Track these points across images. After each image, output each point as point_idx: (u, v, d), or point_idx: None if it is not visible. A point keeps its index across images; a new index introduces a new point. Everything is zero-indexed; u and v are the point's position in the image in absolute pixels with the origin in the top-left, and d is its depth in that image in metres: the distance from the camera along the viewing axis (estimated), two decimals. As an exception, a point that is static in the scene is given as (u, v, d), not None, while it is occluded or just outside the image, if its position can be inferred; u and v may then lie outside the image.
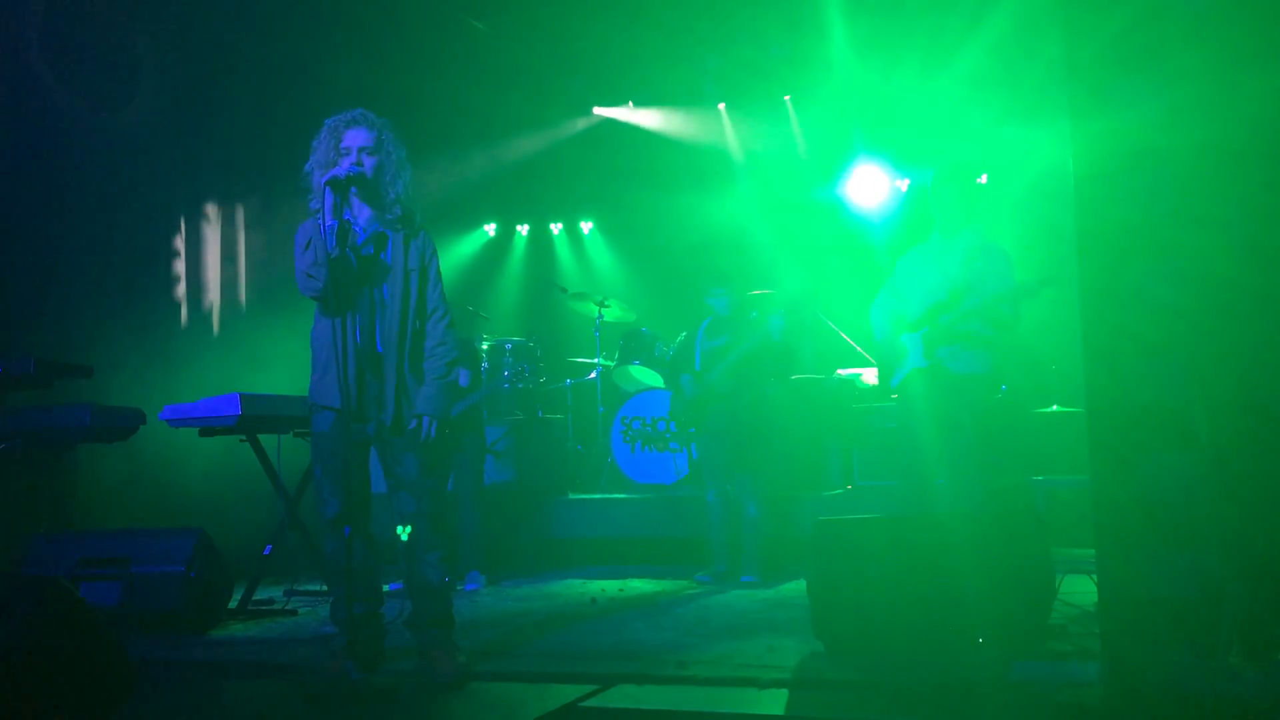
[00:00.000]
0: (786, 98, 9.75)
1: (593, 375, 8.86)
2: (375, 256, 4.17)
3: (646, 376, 8.42)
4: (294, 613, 5.74)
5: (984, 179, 9.15)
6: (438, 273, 4.29)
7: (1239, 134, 3.02)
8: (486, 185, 10.53)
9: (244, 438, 5.83)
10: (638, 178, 10.01)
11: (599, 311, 8.82)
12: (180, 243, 7.77)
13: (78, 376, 5.55)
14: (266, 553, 5.90)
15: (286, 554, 6.04)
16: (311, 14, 7.83)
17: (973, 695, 3.57)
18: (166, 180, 7.65)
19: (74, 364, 5.67)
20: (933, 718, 3.48)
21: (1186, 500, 2.97)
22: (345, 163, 4.08)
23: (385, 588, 4.47)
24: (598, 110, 10.36)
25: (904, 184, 9.55)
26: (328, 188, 3.98)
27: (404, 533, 4.15)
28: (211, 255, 8.00)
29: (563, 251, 11.42)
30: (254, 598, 5.86)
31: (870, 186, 9.51)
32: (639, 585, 6.41)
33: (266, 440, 5.96)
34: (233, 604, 5.69)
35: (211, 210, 8.01)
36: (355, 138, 4.14)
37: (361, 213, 4.20)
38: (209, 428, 5.71)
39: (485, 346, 7.89)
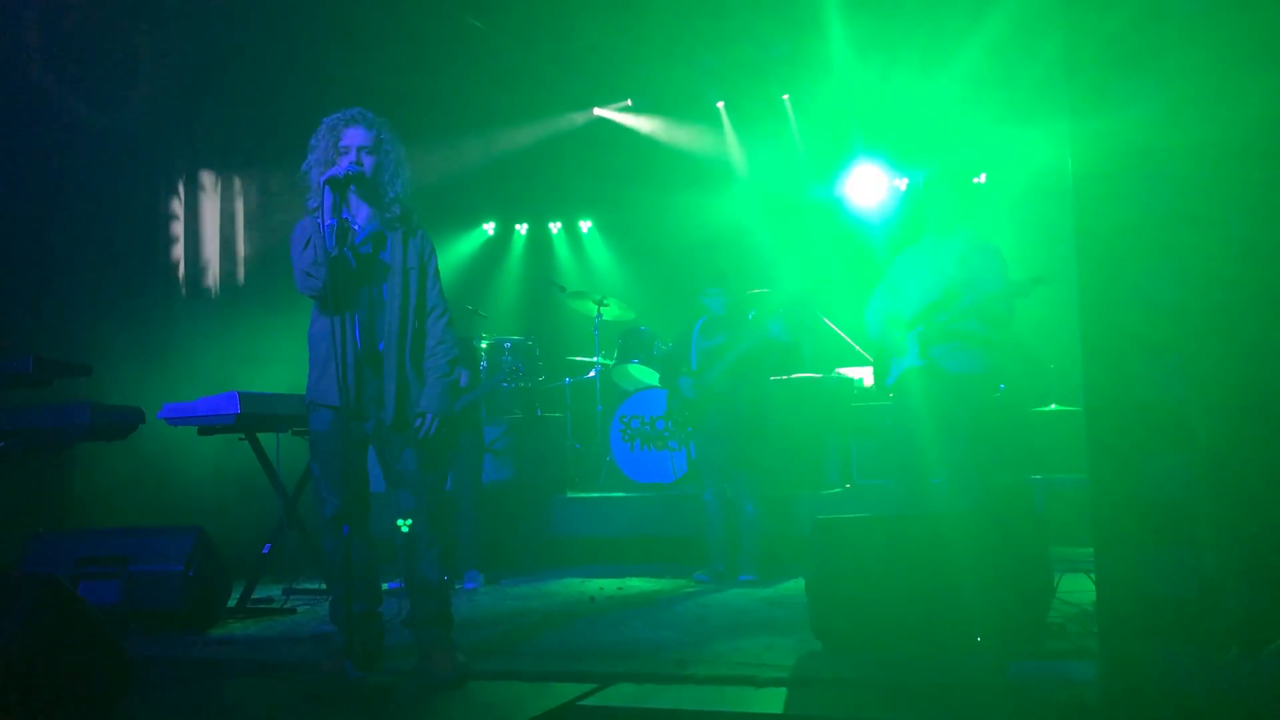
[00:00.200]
0: (785, 97, 9.74)
1: (591, 374, 8.87)
2: (374, 255, 4.17)
3: (645, 375, 8.42)
4: (293, 611, 5.74)
5: (982, 178, 9.17)
6: (436, 271, 4.30)
7: (1238, 133, 3.02)
8: (485, 184, 10.54)
9: (243, 436, 5.82)
10: (636, 177, 10.02)
11: (598, 310, 8.83)
12: (179, 240, 7.77)
13: (76, 375, 5.55)
14: (265, 551, 5.91)
15: (285, 553, 6.04)
16: (309, 13, 7.83)
17: (971, 694, 3.57)
18: (165, 176, 7.65)
19: (73, 362, 5.67)
20: (931, 716, 3.48)
21: (1185, 499, 2.97)
22: (344, 161, 4.08)
23: (384, 586, 4.47)
24: (596, 109, 10.35)
25: (903, 183, 9.55)
26: (326, 186, 3.98)
27: (404, 525, 4.15)
28: (211, 252, 8.00)
29: (561, 250, 11.42)
30: (253, 596, 5.87)
31: (869, 186, 9.51)
32: (637, 584, 6.42)
33: (265, 439, 5.96)
34: (232, 602, 5.69)
35: (210, 206, 8.01)
36: (354, 136, 4.14)
37: (360, 211, 4.20)
38: (208, 426, 5.70)
39: (484, 345, 7.90)
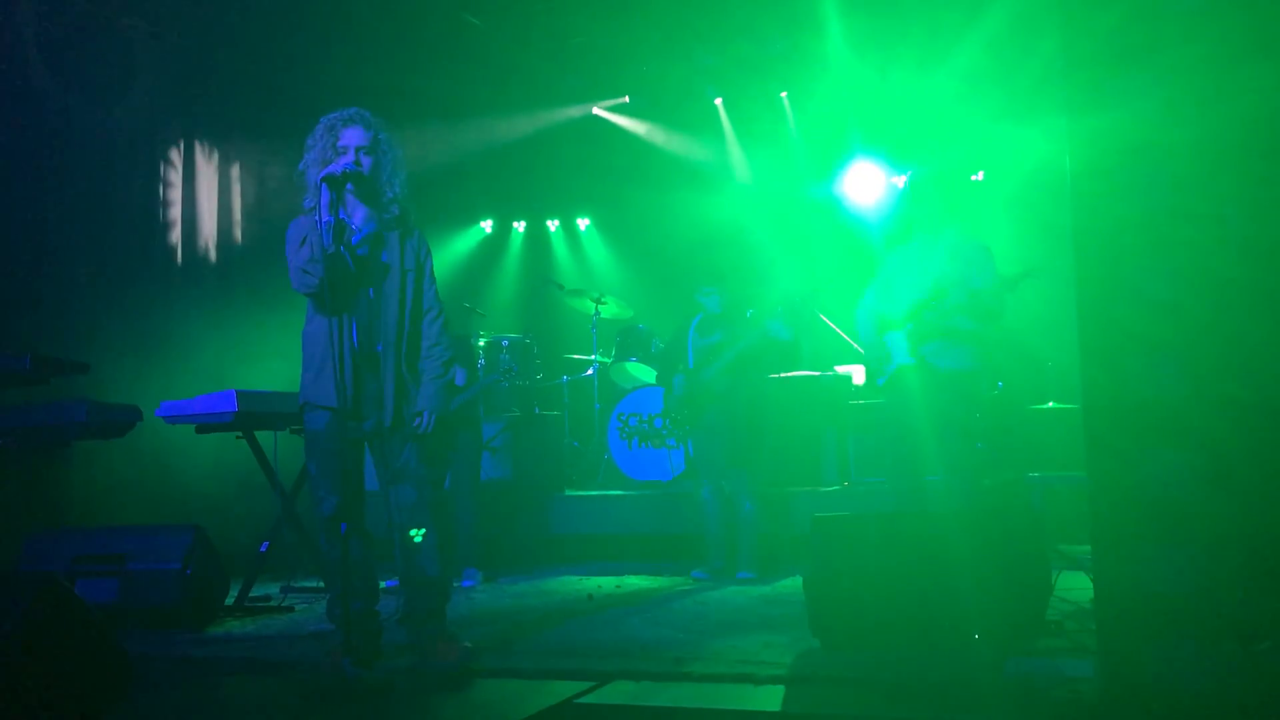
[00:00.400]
0: (783, 94, 9.73)
1: (589, 372, 8.86)
2: (372, 256, 4.17)
3: (643, 373, 8.42)
4: (290, 609, 5.73)
5: (980, 175, 9.17)
6: (432, 272, 4.31)
7: (1236, 130, 3.02)
8: (483, 181, 10.53)
9: (241, 434, 5.82)
10: (634, 175, 10.02)
11: (596, 308, 8.82)
12: (176, 235, 7.76)
13: (74, 373, 5.54)
14: (263, 549, 5.90)
15: (283, 551, 6.04)
16: (305, 12, 7.82)
17: (969, 691, 3.58)
18: (161, 170, 7.64)
19: (70, 360, 5.66)
20: (928, 714, 3.48)
21: (1183, 496, 2.97)
22: (342, 161, 4.08)
23: (381, 584, 4.46)
24: (594, 107, 10.35)
25: (901, 180, 9.54)
26: (324, 184, 3.97)
27: (417, 535, 4.15)
28: (208, 246, 7.99)
29: (559, 248, 11.41)
30: (250, 594, 5.86)
31: (867, 183, 9.51)
32: (636, 582, 6.42)
33: (263, 437, 5.96)
34: (229, 601, 5.69)
35: (206, 200, 7.99)
36: (353, 136, 4.14)
37: (357, 211, 4.19)
38: (205, 424, 5.70)
39: (482, 343, 7.89)
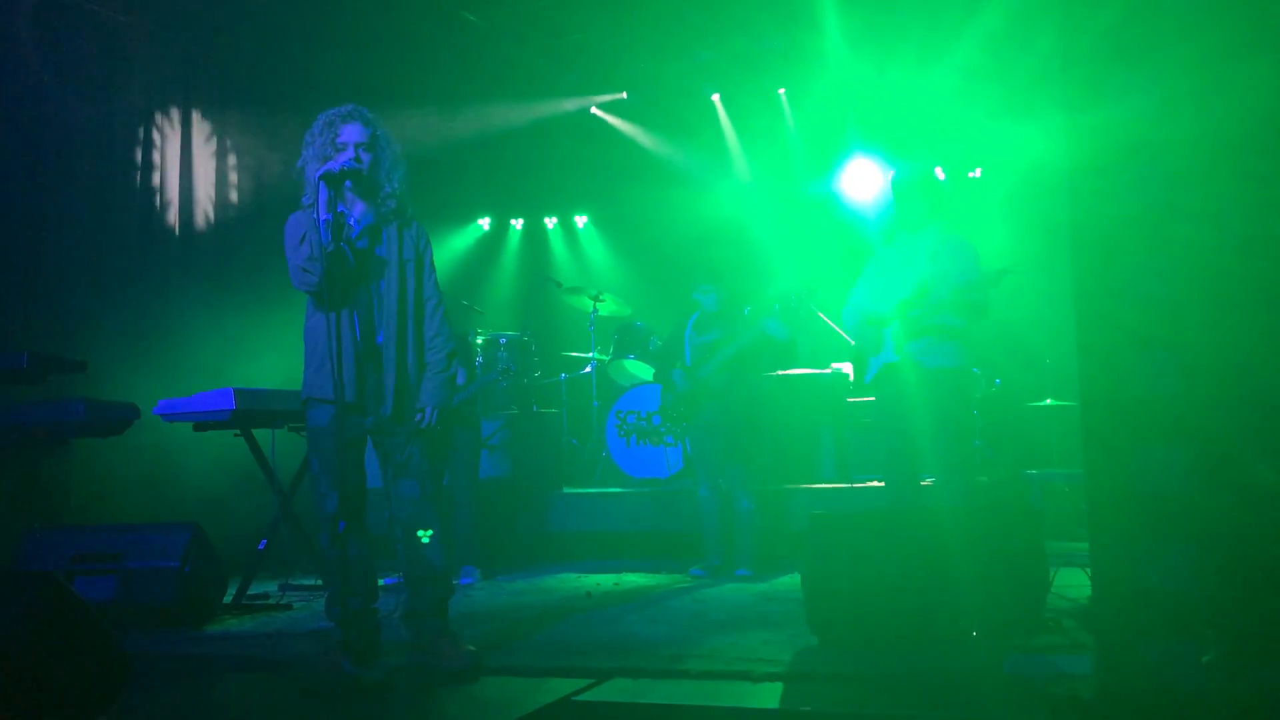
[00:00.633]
0: (781, 91, 9.73)
1: (587, 369, 8.86)
2: (370, 250, 4.17)
3: (641, 371, 8.42)
4: (289, 607, 5.73)
5: (978, 172, 9.18)
6: (431, 262, 4.31)
7: (1233, 127, 3.02)
8: (480, 179, 10.52)
9: (238, 432, 5.82)
10: (632, 172, 10.01)
11: (594, 306, 8.82)
12: (174, 232, 7.75)
13: (71, 371, 5.54)
14: (261, 547, 5.90)
15: (281, 548, 6.04)
16: (302, 9, 7.80)
17: (966, 688, 3.58)
18: (159, 165, 7.63)
19: (68, 358, 5.65)
20: (926, 710, 3.48)
21: (1180, 493, 2.97)
22: (341, 157, 4.07)
23: (381, 582, 4.46)
24: (592, 104, 10.34)
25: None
26: (322, 181, 3.97)
27: (425, 536, 4.15)
28: (206, 241, 7.98)
29: (557, 245, 11.41)
30: (249, 592, 5.86)
31: (864, 180, 9.51)
32: (634, 579, 6.42)
33: (261, 434, 5.95)
34: (227, 599, 5.69)
35: (205, 200, 7.99)
36: (351, 133, 4.14)
37: (355, 207, 4.20)
38: (203, 422, 5.70)
39: (480, 341, 7.89)
